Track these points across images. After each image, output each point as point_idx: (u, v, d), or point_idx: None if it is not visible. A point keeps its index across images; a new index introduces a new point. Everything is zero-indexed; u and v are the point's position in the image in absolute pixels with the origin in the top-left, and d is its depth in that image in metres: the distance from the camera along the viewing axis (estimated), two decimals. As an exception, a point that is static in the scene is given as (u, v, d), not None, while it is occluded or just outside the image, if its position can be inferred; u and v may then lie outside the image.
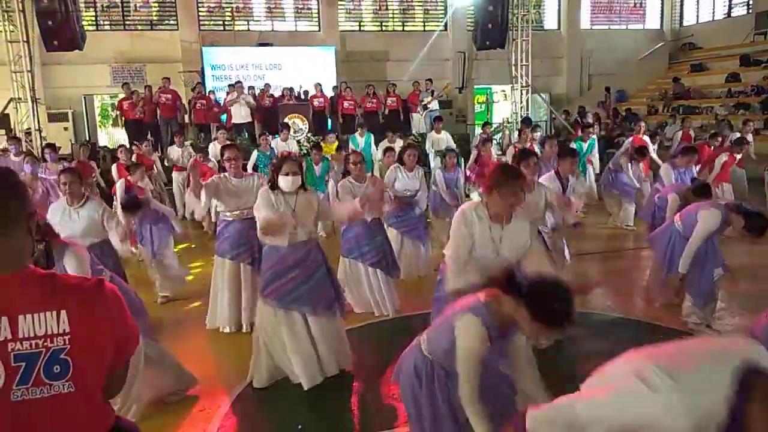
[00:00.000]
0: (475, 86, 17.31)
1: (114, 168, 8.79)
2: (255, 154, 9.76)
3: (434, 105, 13.76)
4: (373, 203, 4.82)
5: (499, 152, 11.34)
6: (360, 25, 16.93)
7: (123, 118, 12.93)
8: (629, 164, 8.36)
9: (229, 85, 13.20)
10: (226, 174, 4.84)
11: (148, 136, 12.10)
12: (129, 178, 6.80)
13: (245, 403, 3.87)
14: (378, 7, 16.99)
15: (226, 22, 15.67)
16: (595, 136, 10.19)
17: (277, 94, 13.39)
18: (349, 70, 15.26)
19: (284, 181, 3.79)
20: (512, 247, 3.13)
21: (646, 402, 1.43)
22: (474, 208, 3.14)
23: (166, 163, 10.26)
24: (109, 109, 16.06)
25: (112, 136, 16.23)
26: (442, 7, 17.13)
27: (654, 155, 8.98)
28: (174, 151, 10.04)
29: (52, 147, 9.75)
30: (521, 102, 14.37)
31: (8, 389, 1.35)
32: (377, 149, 10.61)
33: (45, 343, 1.37)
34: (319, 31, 16.20)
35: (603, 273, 6.82)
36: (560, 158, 4.90)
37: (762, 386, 1.37)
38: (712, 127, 12.12)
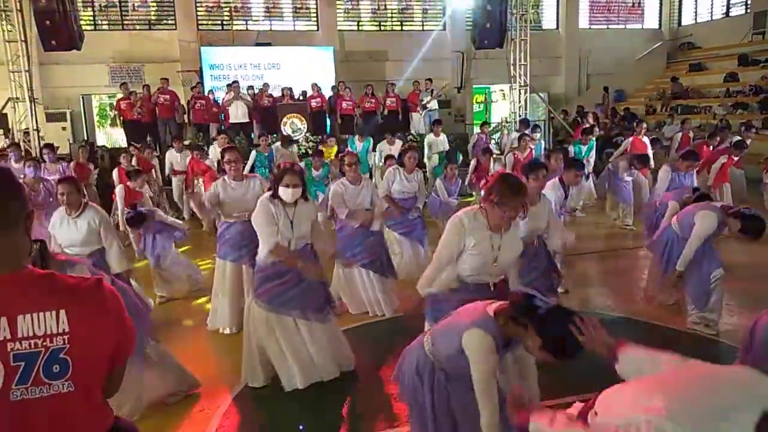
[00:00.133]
0: (474, 86, 17.31)
1: (115, 173, 8.80)
2: (254, 154, 9.75)
3: (433, 105, 13.76)
4: (360, 219, 4.95)
5: (498, 152, 11.34)
6: (358, 25, 16.93)
7: (121, 118, 12.91)
8: (629, 168, 8.36)
9: (227, 85, 13.20)
10: (226, 177, 4.82)
11: (147, 138, 12.10)
12: (129, 184, 6.81)
13: (245, 403, 3.86)
14: (376, 7, 16.98)
15: (224, 22, 15.65)
16: (594, 139, 10.20)
17: (276, 93, 13.38)
18: (348, 70, 15.25)
19: (285, 193, 3.79)
20: (509, 255, 3.14)
21: None
22: (472, 215, 3.08)
23: (166, 169, 10.20)
24: (108, 108, 16.04)
25: (110, 136, 16.23)
26: (441, 7, 17.12)
27: (651, 161, 8.98)
28: (173, 156, 10.01)
29: (50, 147, 9.74)
30: (520, 102, 14.38)
31: (7, 389, 1.35)
32: (376, 151, 10.61)
33: (44, 343, 1.36)
34: (318, 30, 16.19)
35: (602, 272, 6.82)
36: (565, 169, 4.94)
37: None
38: (710, 127, 12.14)
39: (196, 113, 12.75)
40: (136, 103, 12.50)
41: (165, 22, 15.57)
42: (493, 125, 15.19)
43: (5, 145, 10.91)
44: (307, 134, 12.14)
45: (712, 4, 18.65)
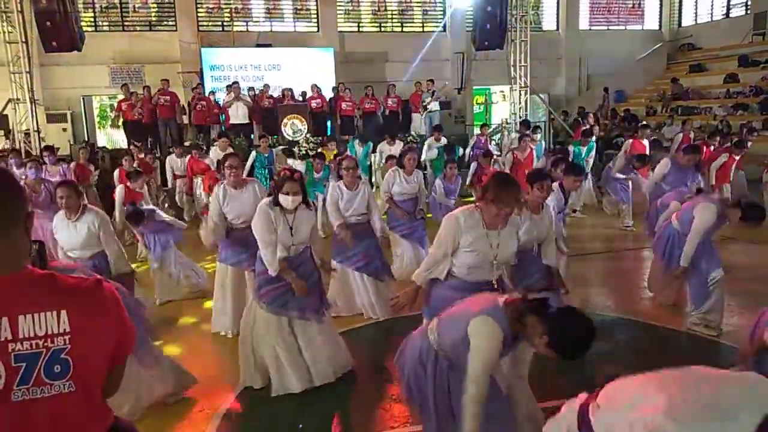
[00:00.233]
0: (474, 87, 17.32)
1: (116, 173, 8.81)
2: (253, 154, 9.75)
3: (435, 106, 13.76)
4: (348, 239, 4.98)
5: (498, 153, 11.34)
6: (359, 26, 16.94)
7: (122, 119, 12.92)
8: (628, 167, 8.37)
9: (227, 86, 13.20)
10: (225, 184, 4.80)
11: (147, 139, 12.11)
12: (129, 184, 6.83)
13: (245, 403, 3.87)
14: (377, 8, 16.99)
15: (224, 23, 15.66)
16: (593, 141, 10.19)
17: (276, 94, 13.39)
18: (348, 71, 15.25)
19: (285, 201, 3.80)
20: (508, 252, 3.18)
21: None
22: (468, 213, 3.12)
23: (167, 174, 10.18)
24: (108, 110, 16.05)
25: (110, 136, 16.23)
26: (441, 8, 17.14)
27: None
28: (173, 161, 10.01)
29: (50, 149, 9.75)
30: (520, 103, 14.39)
31: (9, 389, 1.35)
32: (376, 152, 10.59)
33: (45, 343, 1.37)
34: (318, 31, 16.20)
35: (602, 273, 6.82)
36: (565, 174, 4.94)
37: None
38: (710, 128, 12.16)
39: (197, 114, 12.76)
40: (136, 104, 12.52)
41: (165, 23, 15.58)
42: (493, 126, 15.19)
43: (5, 147, 10.92)
44: (308, 135, 12.14)
45: (712, 5, 18.66)
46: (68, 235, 4.30)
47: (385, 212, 6.44)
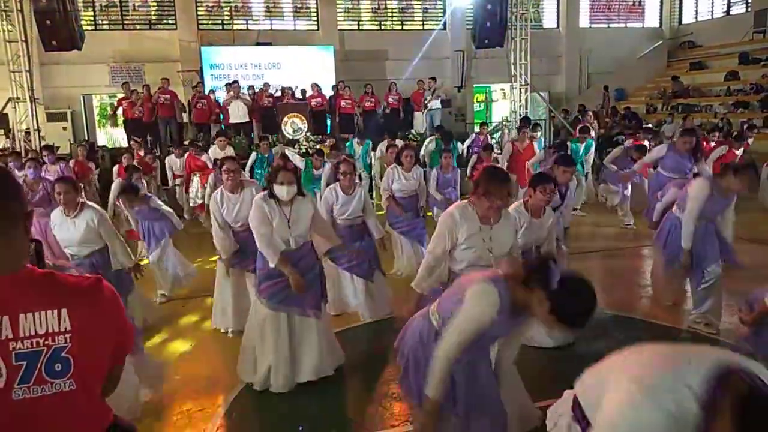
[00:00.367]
0: (474, 85, 17.31)
1: (115, 169, 8.84)
2: (253, 155, 9.76)
3: (436, 104, 13.75)
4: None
5: (498, 151, 11.34)
6: (359, 24, 16.92)
7: (122, 117, 12.93)
8: (627, 161, 8.37)
9: (226, 85, 13.19)
10: (222, 189, 4.76)
11: (147, 137, 12.11)
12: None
13: (245, 403, 3.87)
14: (377, 6, 16.98)
15: (224, 22, 15.66)
16: (591, 139, 10.17)
17: (276, 93, 13.38)
18: (348, 70, 15.24)
19: (280, 191, 3.79)
20: (503, 245, 3.21)
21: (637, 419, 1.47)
22: (462, 208, 3.20)
23: (168, 173, 10.19)
24: (108, 108, 16.06)
25: (111, 135, 16.23)
26: (441, 6, 17.13)
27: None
28: (173, 161, 10.01)
29: (49, 149, 9.76)
30: (520, 101, 14.37)
31: (9, 388, 1.35)
32: (376, 151, 10.57)
33: (46, 342, 1.37)
34: (318, 30, 16.19)
35: (602, 271, 6.82)
36: (555, 164, 4.83)
37: (735, 385, 1.35)
38: (711, 126, 12.16)
39: (197, 113, 12.77)
40: (137, 103, 12.53)
41: (165, 21, 15.57)
42: (493, 124, 15.18)
43: (5, 147, 10.92)
44: (308, 134, 12.14)
45: (712, 3, 18.63)
46: (66, 232, 4.30)
47: (383, 210, 6.44)
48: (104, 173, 10.08)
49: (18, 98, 12.50)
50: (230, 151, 9.36)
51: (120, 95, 13.23)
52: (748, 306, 2.91)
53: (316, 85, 13.50)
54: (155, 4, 15.61)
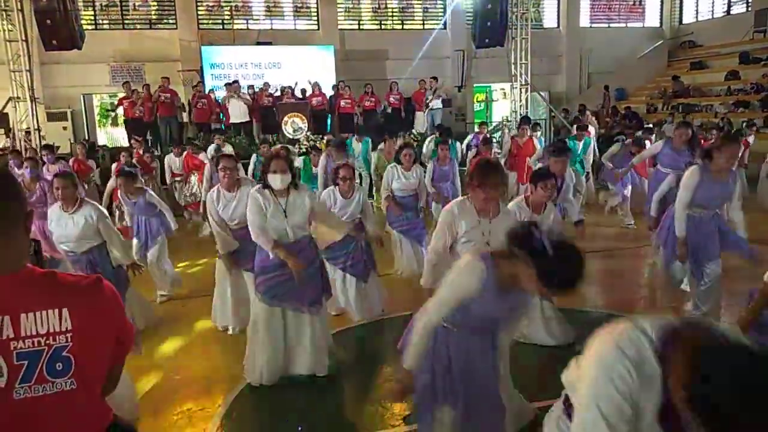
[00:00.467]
0: (475, 84, 17.31)
1: (113, 167, 8.84)
2: (254, 158, 9.72)
3: (437, 104, 13.74)
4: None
5: (498, 151, 11.33)
6: (359, 24, 16.92)
7: (123, 116, 12.94)
8: (627, 156, 8.36)
9: (226, 84, 13.19)
10: (219, 187, 4.76)
11: (147, 136, 12.11)
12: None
13: (245, 403, 3.86)
14: (377, 6, 16.97)
15: (225, 21, 15.65)
16: (589, 137, 10.16)
17: (276, 93, 13.38)
18: (349, 69, 15.24)
19: (274, 180, 3.78)
20: (500, 240, 3.19)
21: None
22: (461, 202, 3.28)
23: (166, 173, 10.17)
24: (108, 108, 16.07)
25: (111, 135, 16.23)
26: (442, 6, 17.12)
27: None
28: (172, 160, 9.99)
29: (49, 148, 9.75)
30: (521, 100, 14.36)
31: (11, 387, 1.36)
32: (377, 151, 10.53)
33: (47, 341, 1.38)
34: (318, 29, 16.18)
35: (603, 272, 6.81)
36: (548, 155, 4.86)
37: (686, 336, 1.36)
38: (711, 125, 12.15)
39: (198, 112, 12.77)
40: (137, 102, 12.53)
41: (166, 21, 15.57)
42: (494, 124, 15.17)
43: (6, 146, 10.93)
44: (308, 133, 12.14)
45: (713, 3, 18.61)
46: (64, 228, 4.28)
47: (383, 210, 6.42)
48: (105, 173, 10.08)
49: (18, 98, 12.50)
50: (229, 150, 9.34)
51: (120, 95, 13.23)
52: (748, 302, 2.90)
53: (317, 84, 13.50)
54: (155, 3, 15.61)
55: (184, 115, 13.39)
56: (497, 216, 3.24)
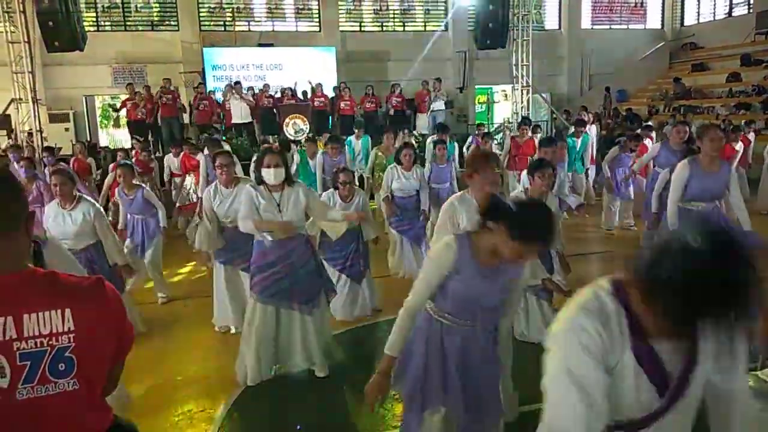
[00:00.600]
0: (476, 86, 17.31)
1: (111, 167, 8.85)
2: (255, 158, 9.69)
3: (439, 105, 13.74)
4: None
5: (499, 152, 11.32)
6: (360, 26, 16.94)
7: (126, 117, 12.97)
8: (627, 155, 8.36)
9: (226, 86, 13.20)
10: (217, 183, 4.77)
11: (149, 137, 12.13)
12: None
13: (245, 403, 3.87)
14: (378, 8, 17.00)
15: (226, 23, 15.68)
16: (587, 134, 10.15)
17: (277, 94, 13.40)
18: (350, 71, 15.26)
19: (267, 174, 3.79)
20: None
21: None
22: (461, 196, 3.32)
23: (165, 173, 10.18)
24: (110, 109, 16.11)
25: (113, 136, 16.27)
26: (443, 7, 17.14)
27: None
28: (170, 160, 10.01)
29: (49, 150, 9.79)
30: (522, 102, 14.37)
31: (13, 388, 1.36)
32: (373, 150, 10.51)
33: (50, 342, 1.38)
34: (320, 31, 16.21)
35: (603, 274, 6.79)
36: (539, 146, 4.93)
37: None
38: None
39: (199, 114, 12.78)
40: (140, 103, 12.56)
41: (167, 23, 15.61)
42: (495, 126, 15.17)
43: (7, 146, 10.95)
44: (309, 135, 12.13)
45: (714, 4, 18.61)
46: (62, 225, 4.27)
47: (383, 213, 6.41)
48: (106, 174, 10.09)
49: (20, 99, 12.54)
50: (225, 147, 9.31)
51: (123, 96, 13.26)
52: None
53: (320, 85, 13.51)
54: (157, 5, 15.65)
55: (185, 116, 13.40)
56: None
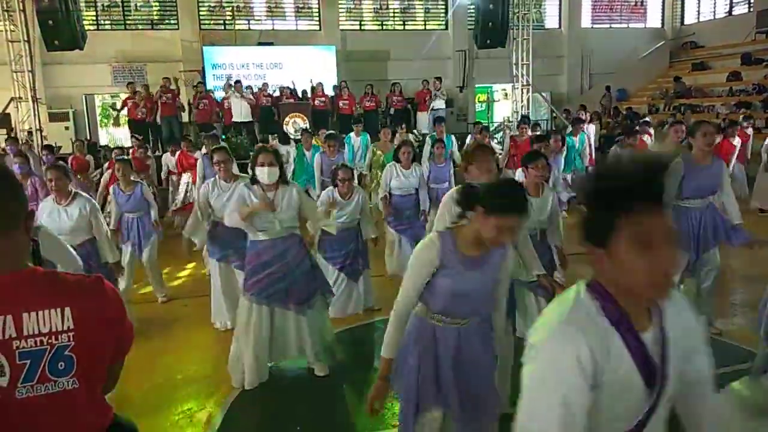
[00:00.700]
0: (476, 85, 17.30)
1: (107, 165, 8.87)
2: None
3: (440, 104, 13.74)
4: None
5: (500, 152, 11.32)
6: (360, 25, 16.92)
7: (126, 116, 12.96)
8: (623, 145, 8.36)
9: (226, 84, 13.18)
10: (217, 177, 4.77)
11: (149, 135, 12.13)
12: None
13: (245, 403, 3.87)
14: (378, 6, 16.98)
15: (226, 22, 15.66)
16: (585, 132, 10.14)
17: (276, 93, 13.39)
18: (350, 70, 15.25)
19: (261, 172, 3.78)
20: None
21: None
22: (459, 189, 3.25)
23: (163, 172, 10.16)
24: (110, 108, 16.10)
25: (113, 135, 16.26)
26: (443, 6, 17.12)
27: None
28: (168, 159, 10.00)
29: (49, 149, 9.79)
30: (522, 101, 14.36)
31: (13, 386, 1.36)
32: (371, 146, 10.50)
33: (50, 340, 1.38)
34: (320, 30, 16.19)
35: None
36: (533, 144, 4.99)
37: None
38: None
39: (199, 113, 12.78)
40: (140, 103, 12.55)
41: (167, 21, 15.59)
42: (495, 125, 15.16)
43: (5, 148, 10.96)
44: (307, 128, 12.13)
45: (714, 3, 18.59)
46: (57, 221, 4.26)
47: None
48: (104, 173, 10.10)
49: (20, 98, 12.54)
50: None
51: (123, 95, 13.25)
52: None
53: (321, 84, 13.51)
54: (157, 4, 15.63)
55: (184, 115, 13.39)
56: None
